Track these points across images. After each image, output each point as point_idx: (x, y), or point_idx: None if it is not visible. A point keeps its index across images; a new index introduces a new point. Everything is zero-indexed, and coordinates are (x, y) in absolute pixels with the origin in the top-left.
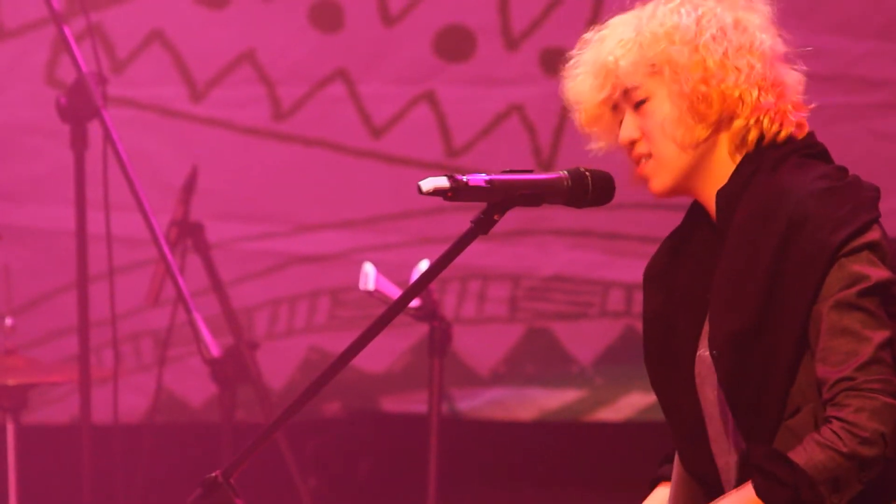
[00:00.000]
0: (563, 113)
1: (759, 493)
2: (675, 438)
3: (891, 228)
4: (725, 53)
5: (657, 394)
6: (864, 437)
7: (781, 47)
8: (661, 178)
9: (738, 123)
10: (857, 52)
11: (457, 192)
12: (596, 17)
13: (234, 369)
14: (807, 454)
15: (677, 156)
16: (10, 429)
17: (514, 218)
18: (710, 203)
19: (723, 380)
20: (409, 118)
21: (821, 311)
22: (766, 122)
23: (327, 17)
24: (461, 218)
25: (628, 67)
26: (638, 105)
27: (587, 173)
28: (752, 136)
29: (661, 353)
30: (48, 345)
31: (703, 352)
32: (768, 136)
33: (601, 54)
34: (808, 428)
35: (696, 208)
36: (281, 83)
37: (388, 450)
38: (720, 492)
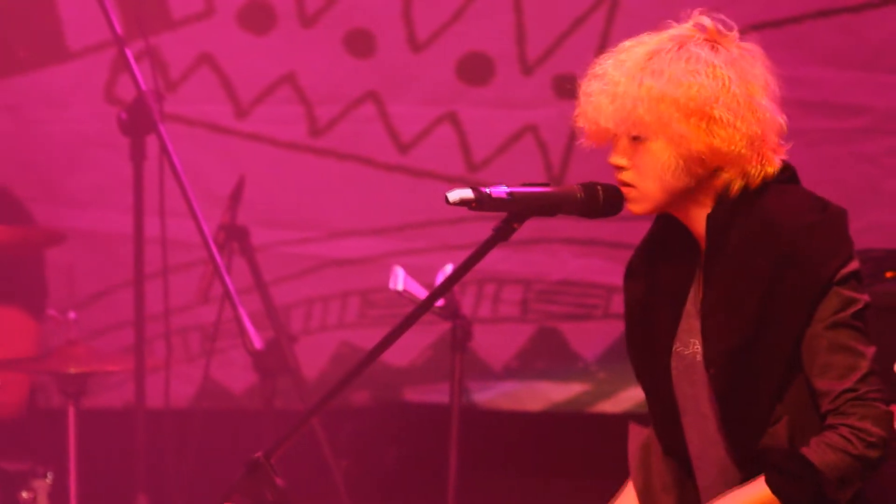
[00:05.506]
0: (573, 133)
1: (775, 489)
2: (652, 418)
3: (873, 241)
4: (731, 118)
5: (638, 379)
6: (870, 441)
7: (775, 94)
8: (640, 206)
9: (726, 176)
10: (842, 82)
11: (480, 203)
12: (604, 47)
13: (274, 360)
14: (818, 455)
15: (661, 195)
16: (72, 412)
17: (526, 227)
18: (691, 222)
19: (718, 395)
20: (433, 136)
21: (816, 331)
22: (751, 171)
23: (361, 44)
24: (480, 227)
25: (636, 116)
26: (635, 139)
27: (599, 187)
28: (737, 185)
29: (641, 343)
30: (107, 336)
31: (679, 348)
32: (751, 182)
33: (615, 96)
34: (782, 435)
35: (670, 218)
36: (318, 103)
37: (411, 435)
38: (690, 469)
